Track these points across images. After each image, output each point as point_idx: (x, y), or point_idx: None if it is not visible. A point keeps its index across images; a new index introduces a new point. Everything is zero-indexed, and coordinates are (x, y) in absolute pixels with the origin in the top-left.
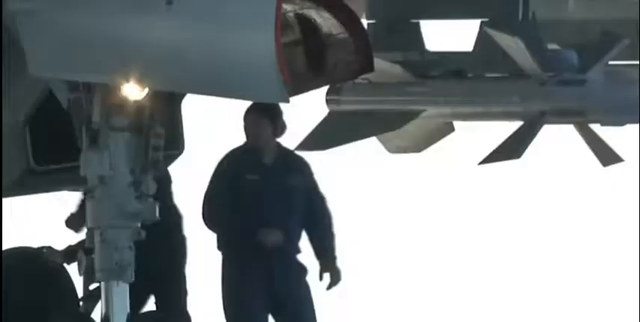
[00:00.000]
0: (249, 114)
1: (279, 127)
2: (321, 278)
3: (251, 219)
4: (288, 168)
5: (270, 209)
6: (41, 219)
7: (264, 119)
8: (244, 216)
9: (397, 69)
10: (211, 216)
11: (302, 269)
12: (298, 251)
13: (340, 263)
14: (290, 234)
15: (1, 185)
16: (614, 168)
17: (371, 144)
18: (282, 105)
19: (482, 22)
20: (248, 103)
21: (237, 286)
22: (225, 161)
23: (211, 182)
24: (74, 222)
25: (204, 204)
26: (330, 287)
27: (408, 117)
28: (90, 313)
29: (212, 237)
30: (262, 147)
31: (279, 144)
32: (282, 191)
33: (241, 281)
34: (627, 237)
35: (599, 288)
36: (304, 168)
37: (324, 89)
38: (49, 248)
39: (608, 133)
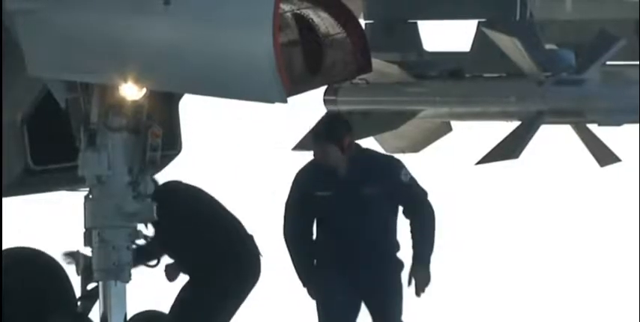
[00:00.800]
0: (315, 140)
1: (347, 146)
2: (409, 283)
3: (327, 233)
4: (366, 176)
5: (345, 222)
6: (39, 219)
7: (330, 144)
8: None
9: (395, 69)
10: (287, 235)
11: (398, 266)
12: (396, 248)
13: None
14: (381, 245)
15: (0, 185)
16: (611, 168)
17: (369, 144)
18: (279, 106)
19: (479, 23)
20: (246, 103)
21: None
22: (297, 178)
23: (287, 200)
24: (171, 272)
25: (284, 223)
26: (417, 292)
27: (405, 117)
28: (88, 313)
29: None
30: (333, 166)
31: (362, 150)
32: (359, 201)
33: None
34: (625, 237)
35: (598, 288)
36: (389, 169)
37: (322, 89)
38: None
39: (605, 133)
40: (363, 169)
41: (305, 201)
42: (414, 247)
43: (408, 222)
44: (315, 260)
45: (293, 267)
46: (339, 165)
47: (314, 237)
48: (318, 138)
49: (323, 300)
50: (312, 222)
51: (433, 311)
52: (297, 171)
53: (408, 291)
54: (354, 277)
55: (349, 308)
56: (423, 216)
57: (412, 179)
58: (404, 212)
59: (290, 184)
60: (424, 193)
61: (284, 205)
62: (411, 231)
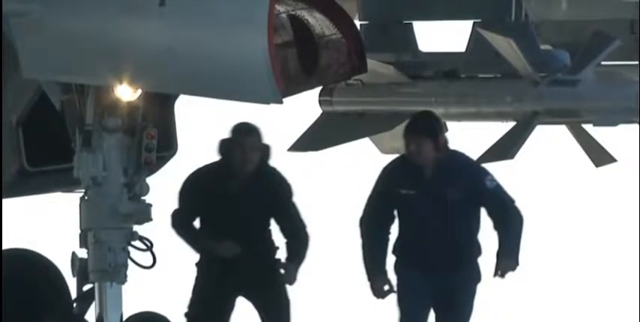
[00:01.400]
0: (411, 135)
1: (442, 145)
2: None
3: (408, 234)
4: (452, 177)
5: (427, 222)
6: (34, 221)
7: (427, 140)
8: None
9: (390, 70)
10: (364, 228)
11: (476, 275)
12: (477, 252)
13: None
14: (462, 248)
15: (1, 185)
16: (607, 168)
17: (364, 145)
18: (275, 107)
19: (474, 23)
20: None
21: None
22: (383, 173)
23: (371, 193)
24: (230, 248)
25: (363, 214)
26: (502, 274)
27: (401, 117)
28: (84, 314)
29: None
30: (422, 164)
31: (451, 151)
32: (443, 203)
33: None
34: (621, 237)
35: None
36: (474, 174)
37: (318, 90)
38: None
39: (601, 134)
40: (449, 170)
41: (388, 197)
42: (501, 253)
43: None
44: (389, 257)
45: (362, 259)
46: (429, 163)
47: (390, 234)
48: (415, 133)
49: (402, 300)
50: (392, 219)
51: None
52: (384, 165)
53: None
54: (431, 278)
55: (424, 309)
56: (513, 223)
57: (498, 186)
58: (492, 219)
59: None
60: (511, 201)
61: (367, 198)
62: (500, 238)
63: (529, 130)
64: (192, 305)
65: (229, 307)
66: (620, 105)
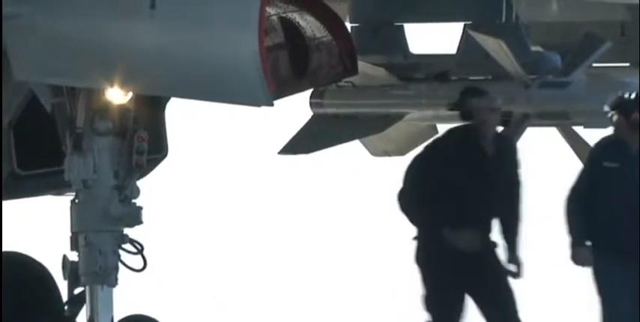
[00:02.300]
0: (624, 109)
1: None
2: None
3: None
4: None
5: (630, 197)
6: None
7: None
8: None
9: (381, 72)
10: (569, 209)
11: None
12: None
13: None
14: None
15: (1, 186)
16: None
17: (355, 148)
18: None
19: (465, 25)
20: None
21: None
22: (591, 151)
23: (581, 171)
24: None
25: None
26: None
27: (391, 119)
28: (75, 317)
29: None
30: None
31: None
32: None
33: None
34: None
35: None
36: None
37: (308, 92)
38: None
39: (591, 135)
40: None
41: (592, 172)
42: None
43: None
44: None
45: (567, 226)
46: (632, 138)
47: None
48: (627, 108)
49: (603, 290)
50: (591, 192)
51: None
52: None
53: None
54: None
55: (628, 299)
56: None
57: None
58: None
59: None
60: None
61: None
62: None
63: (520, 132)
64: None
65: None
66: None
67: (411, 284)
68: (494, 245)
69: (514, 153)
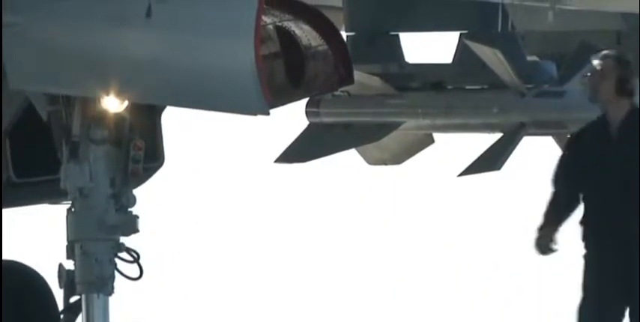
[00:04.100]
0: None
1: None
2: None
3: None
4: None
5: None
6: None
7: None
8: None
9: (376, 81)
10: None
11: None
12: None
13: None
14: None
15: (1, 188)
16: None
17: (350, 157)
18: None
19: (461, 34)
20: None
21: None
22: None
23: None
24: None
25: None
26: None
27: (387, 129)
28: None
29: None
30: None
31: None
32: None
33: None
34: None
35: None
36: None
37: (304, 101)
38: None
39: None
40: None
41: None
42: None
43: None
44: None
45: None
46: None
47: None
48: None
49: None
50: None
51: (433, 312)
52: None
53: None
54: None
55: None
56: None
57: None
58: None
59: None
60: None
61: None
62: None
63: (516, 141)
64: None
65: None
66: None
67: (410, 287)
68: None
69: None
